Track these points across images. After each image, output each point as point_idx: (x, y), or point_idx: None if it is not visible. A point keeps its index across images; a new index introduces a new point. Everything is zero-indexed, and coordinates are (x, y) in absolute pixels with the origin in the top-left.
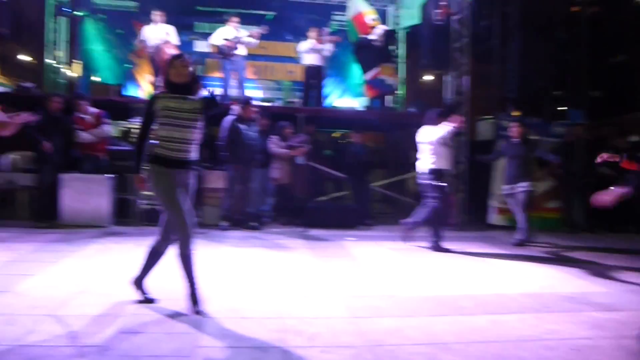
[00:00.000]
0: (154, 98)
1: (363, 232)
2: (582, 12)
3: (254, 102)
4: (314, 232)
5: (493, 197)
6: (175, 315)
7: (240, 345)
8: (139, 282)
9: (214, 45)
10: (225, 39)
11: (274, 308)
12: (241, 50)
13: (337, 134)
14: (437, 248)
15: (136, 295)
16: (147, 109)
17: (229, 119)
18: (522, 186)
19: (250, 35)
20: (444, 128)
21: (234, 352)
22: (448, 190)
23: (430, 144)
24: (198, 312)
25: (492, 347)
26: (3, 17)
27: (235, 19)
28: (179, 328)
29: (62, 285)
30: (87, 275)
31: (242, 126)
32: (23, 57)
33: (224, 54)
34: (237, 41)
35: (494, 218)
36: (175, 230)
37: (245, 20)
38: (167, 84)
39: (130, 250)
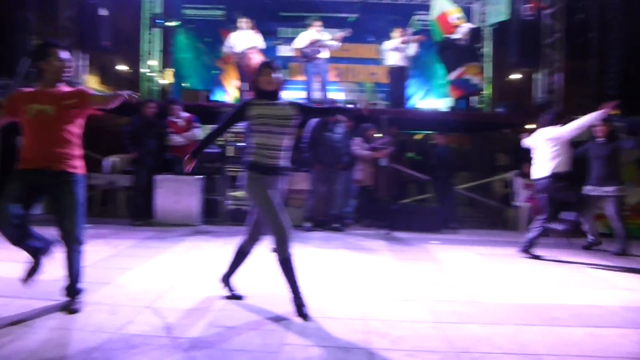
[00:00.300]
0: (247, 104)
1: (448, 235)
2: None
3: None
4: (397, 234)
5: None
6: (262, 312)
7: (324, 345)
8: (226, 280)
9: (297, 49)
10: (308, 43)
11: (358, 309)
12: (324, 54)
13: (420, 135)
14: (527, 252)
15: (224, 291)
16: (237, 113)
17: (313, 121)
18: (608, 190)
19: (332, 38)
20: (561, 129)
21: (318, 351)
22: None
23: (553, 145)
24: (303, 316)
25: None
26: (105, 31)
27: (318, 23)
28: (266, 325)
29: (157, 279)
30: (179, 271)
31: (326, 128)
32: (121, 67)
33: (307, 57)
34: (320, 44)
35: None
36: (269, 234)
37: (328, 24)
38: (257, 91)
39: (218, 248)
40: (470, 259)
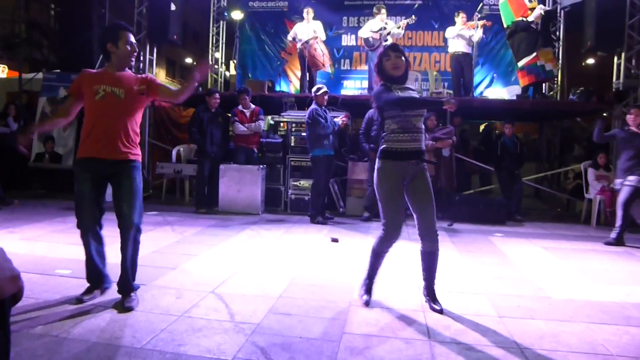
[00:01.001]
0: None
1: (512, 228)
2: None
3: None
4: (460, 226)
5: None
6: (323, 301)
7: (385, 335)
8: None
9: (361, 38)
10: (372, 31)
11: (419, 301)
12: (389, 42)
13: (485, 125)
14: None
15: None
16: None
17: (370, 110)
18: (630, 181)
19: (396, 26)
20: None
21: (378, 341)
22: None
23: None
24: (436, 309)
25: None
26: (174, 25)
27: (383, 11)
28: (326, 314)
29: (221, 266)
30: (241, 258)
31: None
32: (188, 60)
33: (370, 46)
34: (387, 33)
35: None
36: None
37: (392, 11)
38: (385, 78)
39: (279, 237)
40: (536, 252)
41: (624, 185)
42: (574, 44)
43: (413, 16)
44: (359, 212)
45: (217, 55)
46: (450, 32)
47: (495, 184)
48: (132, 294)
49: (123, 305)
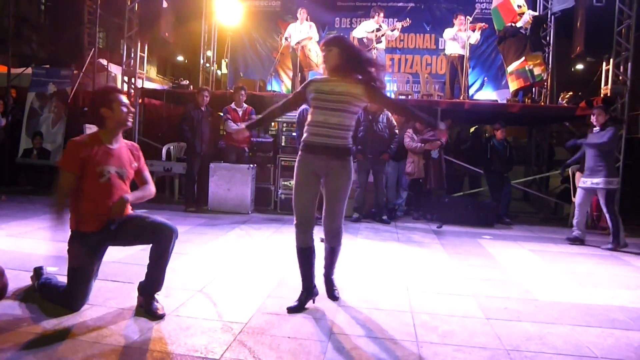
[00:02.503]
0: (308, 82)
1: (501, 231)
2: None
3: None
4: (448, 228)
5: None
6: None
7: (372, 336)
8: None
9: (355, 38)
10: (367, 32)
11: (407, 302)
12: (383, 44)
13: (474, 128)
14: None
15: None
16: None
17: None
18: (597, 182)
19: (391, 28)
20: None
21: (366, 341)
22: None
23: None
24: (333, 298)
25: None
26: (166, 23)
27: (381, 13)
28: (315, 314)
29: (209, 265)
30: (230, 258)
31: (367, 118)
32: (179, 58)
33: (364, 46)
34: (382, 34)
35: None
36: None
37: (385, 13)
38: (326, 69)
39: (269, 237)
40: (523, 255)
41: (597, 187)
42: (564, 49)
43: (407, 19)
44: (349, 212)
45: (209, 53)
46: (447, 33)
47: (484, 186)
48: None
49: (155, 314)
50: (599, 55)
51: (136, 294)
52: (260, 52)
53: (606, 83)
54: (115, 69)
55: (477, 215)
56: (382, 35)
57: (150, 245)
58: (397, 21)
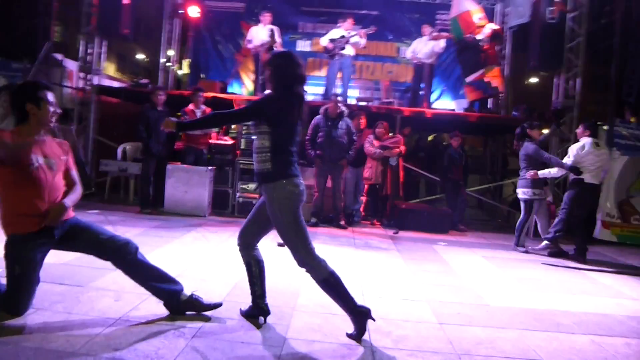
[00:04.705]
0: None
1: (455, 237)
2: None
3: (350, 102)
4: (405, 234)
5: (599, 211)
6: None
7: (327, 341)
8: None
9: (322, 45)
10: (333, 39)
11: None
12: (349, 50)
13: (433, 136)
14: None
15: None
16: None
17: (316, 117)
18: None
19: (357, 35)
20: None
21: (320, 346)
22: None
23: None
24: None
25: None
26: (126, 19)
27: (350, 21)
28: (270, 319)
29: (163, 268)
30: (184, 261)
31: (326, 123)
32: (139, 56)
33: (328, 52)
34: (345, 41)
35: (600, 232)
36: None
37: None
38: None
39: (225, 240)
40: (477, 261)
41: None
42: (520, 63)
43: (372, 26)
44: (307, 217)
45: (170, 52)
46: (415, 43)
47: (441, 193)
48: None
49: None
50: (551, 70)
51: (86, 295)
52: (222, 53)
53: (557, 97)
54: (71, 65)
55: (433, 222)
56: (346, 42)
57: (112, 261)
58: (360, 28)
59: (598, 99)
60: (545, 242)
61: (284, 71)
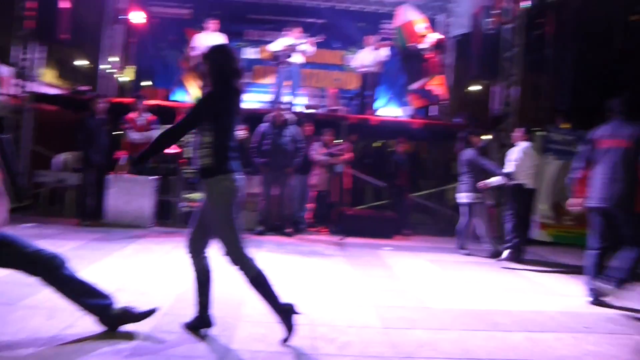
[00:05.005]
0: None
1: (401, 242)
2: None
3: (298, 109)
4: (351, 240)
5: (536, 212)
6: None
7: (271, 350)
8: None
9: (270, 52)
10: (282, 47)
11: (307, 315)
12: (297, 58)
13: (379, 142)
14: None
15: None
16: None
17: (262, 124)
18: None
19: (307, 43)
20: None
21: (265, 356)
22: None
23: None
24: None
25: None
26: (64, 24)
27: (298, 30)
28: (214, 330)
29: (101, 282)
30: (125, 274)
31: (272, 131)
32: (80, 62)
33: (276, 60)
34: (293, 49)
35: (536, 233)
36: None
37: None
38: None
39: (169, 252)
40: (421, 265)
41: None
42: (462, 71)
43: (321, 35)
44: (253, 225)
45: (113, 59)
46: (360, 52)
47: (386, 199)
48: None
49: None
50: (490, 78)
51: (16, 315)
52: (167, 60)
53: (495, 104)
54: (5, 70)
55: (379, 227)
56: (293, 50)
57: (39, 276)
58: (308, 36)
59: (534, 106)
60: (507, 252)
61: (220, 65)
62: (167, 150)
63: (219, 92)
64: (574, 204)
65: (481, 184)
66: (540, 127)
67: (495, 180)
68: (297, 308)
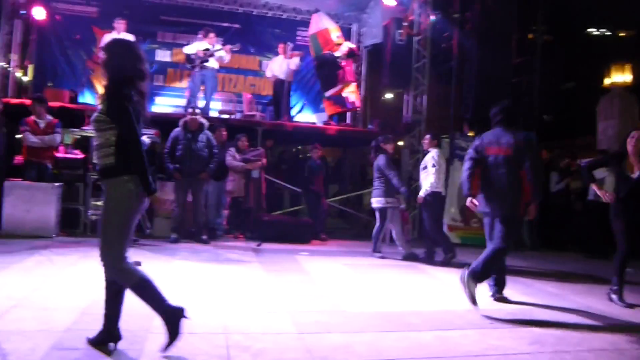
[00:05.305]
0: None
1: (317, 247)
2: (536, 40)
3: (213, 114)
4: (268, 246)
5: (445, 216)
6: None
7: None
8: None
9: (185, 55)
10: (197, 50)
11: (221, 323)
12: (212, 63)
13: (294, 148)
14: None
15: None
16: None
17: (175, 129)
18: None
19: (223, 50)
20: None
21: None
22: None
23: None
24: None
25: None
26: None
27: (212, 34)
28: (122, 344)
29: None
30: (25, 288)
31: (186, 136)
32: None
33: (191, 62)
34: (209, 54)
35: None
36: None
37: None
38: None
39: (75, 263)
40: (337, 269)
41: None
42: (375, 80)
43: (238, 44)
44: (167, 233)
45: (12, 57)
46: (273, 60)
47: (303, 204)
48: None
49: None
50: (402, 88)
51: None
52: (73, 60)
53: (407, 112)
54: None
55: (295, 233)
56: (211, 56)
57: None
58: (223, 43)
59: (442, 114)
60: (422, 254)
61: (122, 62)
62: (71, 156)
63: (117, 89)
64: (469, 205)
65: (420, 197)
66: (447, 135)
67: (423, 193)
68: (186, 312)
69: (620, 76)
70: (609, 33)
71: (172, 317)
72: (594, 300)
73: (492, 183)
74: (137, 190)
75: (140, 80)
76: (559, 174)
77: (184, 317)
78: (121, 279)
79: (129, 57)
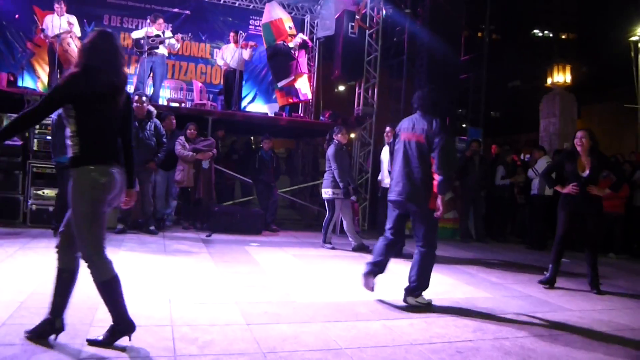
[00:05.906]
0: None
1: (267, 237)
2: (484, 38)
3: (162, 102)
4: (218, 237)
5: None
6: None
7: (127, 356)
8: None
9: (134, 39)
10: (147, 36)
11: (168, 315)
12: (162, 50)
13: (245, 138)
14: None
15: None
16: None
17: None
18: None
19: (174, 38)
20: None
21: None
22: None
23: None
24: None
25: (384, 351)
26: None
27: (160, 20)
28: (62, 338)
29: None
30: None
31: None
32: None
33: (139, 48)
34: (160, 41)
35: None
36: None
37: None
38: None
39: (13, 254)
40: (287, 260)
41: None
42: (328, 71)
43: (190, 34)
44: (112, 223)
45: None
46: (223, 49)
47: (254, 195)
48: None
49: None
50: (353, 80)
51: None
52: (11, 41)
53: (358, 104)
54: None
55: (246, 223)
56: (161, 43)
57: None
58: (172, 29)
59: (393, 107)
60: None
61: (96, 51)
62: (7, 142)
63: (85, 74)
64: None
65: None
66: None
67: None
68: (134, 331)
69: (562, 76)
70: (551, 35)
71: (122, 329)
72: (534, 289)
73: (402, 170)
74: (102, 179)
75: (113, 73)
76: (504, 168)
77: (130, 333)
78: (92, 272)
79: (105, 49)
